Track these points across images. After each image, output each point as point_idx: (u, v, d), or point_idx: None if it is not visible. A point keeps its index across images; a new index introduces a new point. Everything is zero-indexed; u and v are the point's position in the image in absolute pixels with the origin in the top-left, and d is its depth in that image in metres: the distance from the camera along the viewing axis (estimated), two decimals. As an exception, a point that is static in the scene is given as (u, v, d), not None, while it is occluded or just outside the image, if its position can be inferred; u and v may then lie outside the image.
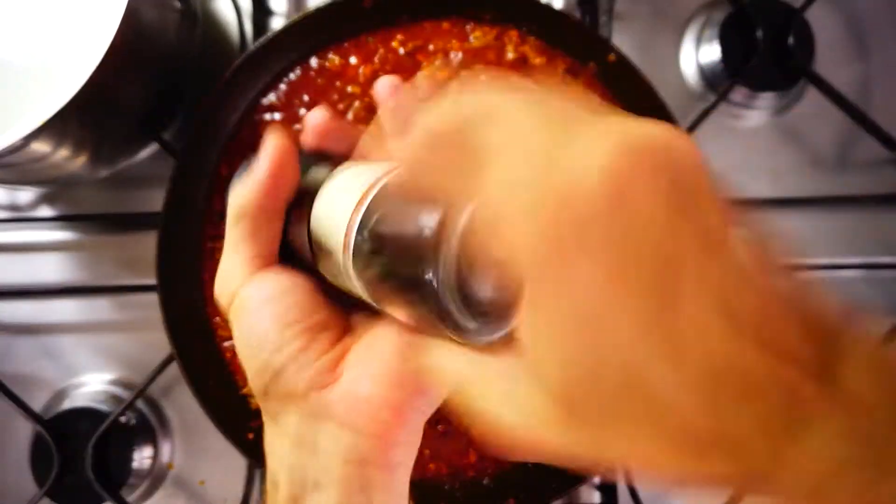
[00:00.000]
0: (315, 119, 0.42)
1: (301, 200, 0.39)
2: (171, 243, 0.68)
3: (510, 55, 0.72)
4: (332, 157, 0.42)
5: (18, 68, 0.53)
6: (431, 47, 0.72)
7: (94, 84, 0.53)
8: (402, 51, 0.72)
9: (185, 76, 0.73)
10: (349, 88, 0.71)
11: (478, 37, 0.72)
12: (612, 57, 0.70)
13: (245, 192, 0.38)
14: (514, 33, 0.72)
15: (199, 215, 0.71)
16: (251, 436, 0.68)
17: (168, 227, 0.67)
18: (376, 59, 0.72)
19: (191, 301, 0.70)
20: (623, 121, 0.25)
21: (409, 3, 0.71)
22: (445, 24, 0.72)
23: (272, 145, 0.38)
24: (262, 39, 0.68)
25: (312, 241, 0.38)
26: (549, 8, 0.70)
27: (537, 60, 0.72)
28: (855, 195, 0.80)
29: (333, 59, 0.72)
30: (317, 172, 0.40)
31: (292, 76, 0.72)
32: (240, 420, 0.69)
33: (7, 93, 0.53)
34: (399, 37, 0.72)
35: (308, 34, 0.70)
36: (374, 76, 0.71)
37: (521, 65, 0.72)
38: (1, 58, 0.54)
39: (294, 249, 0.40)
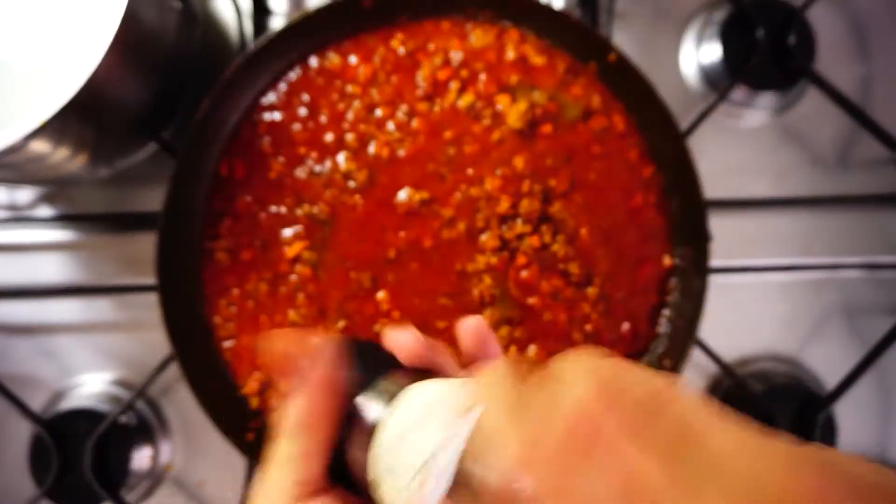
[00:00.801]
0: (404, 343, 0.39)
1: (361, 422, 0.36)
2: (170, 243, 0.68)
3: (510, 55, 0.72)
4: (401, 369, 0.38)
5: (18, 68, 0.53)
6: (432, 47, 0.72)
7: (93, 84, 0.53)
8: (402, 50, 0.72)
9: (184, 76, 0.73)
10: (349, 88, 0.71)
11: (478, 36, 0.72)
12: (612, 56, 0.70)
13: (306, 405, 0.36)
14: (514, 33, 0.72)
15: (199, 215, 0.71)
16: (251, 436, 0.68)
17: (168, 226, 0.67)
18: (376, 59, 0.72)
19: (190, 301, 0.70)
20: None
21: (408, 2, 0.71)
22: (445, 24, 0.72)
23: (317, 378, 0.37)
24: (261, 39, 0.68)
25: (371, 476, 0.35)
26: (548, 8, 0.70)
27: (537, 60, 0.72)
28: (855, 195, 0.80)
29: (333, 58, 0.72)
30: (382, 389, 0.37)
31: (292, 76, 0.72)
32: (240, 420, 0.69)
33: (7, 93, 0.53)
34: (399, 36, 0.72)
35: (308, 34, 0.70)
36: (374, 76, 0.72)
37: (521, 64, 0.72)
38: (1, 58, 0.53)
39: (344, 466, 0.37)
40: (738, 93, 0.79)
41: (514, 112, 0.70)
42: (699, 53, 0.81)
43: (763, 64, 0.77)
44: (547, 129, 0.71)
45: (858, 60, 0.83)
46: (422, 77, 0.71)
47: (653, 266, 0.72)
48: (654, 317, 0.72)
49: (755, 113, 0.82)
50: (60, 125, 0.55)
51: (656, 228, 0.72)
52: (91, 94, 0.54)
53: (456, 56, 0.72)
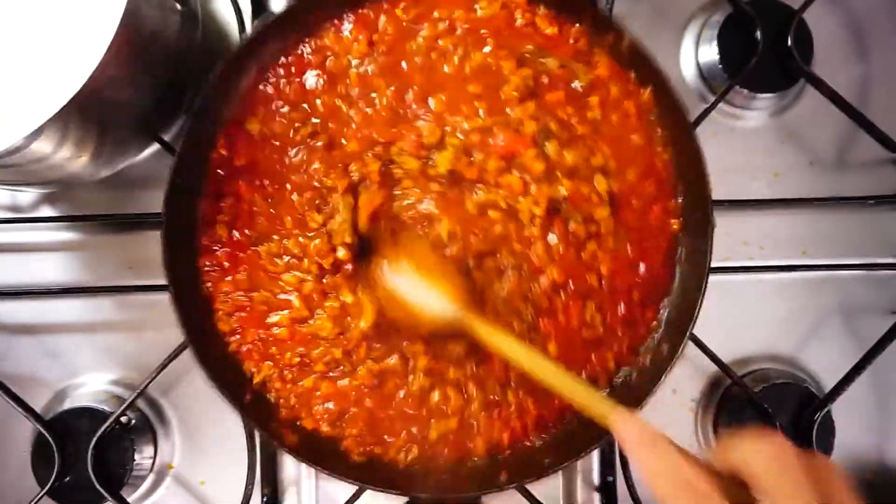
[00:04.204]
0: None
1: None
2: (174, 236, 0.66)
3: (519, 21, 0.70)
4: None
5: (18, 68, 0.53)
6: (436, 14, 0.70)
7: (94, 84, 0.53)
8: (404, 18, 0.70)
9: (185, 77, 0.73)
10: (351, 61, 0.69)
11: (483, 7, 0.70)
12: (625, 43, 0.68)
13: None
14: (522, 1, 0.70)
15: (200, 209, 0.70)
16: (248, 398, 0.69)
17: (170, 219, 0.66)
18: (379, 27, 0.70)
19: (194, 293, 0.70)
20: None
21: None
22: None
23: None
24: (254, 28, 0.67)
25: None
26: None
27: (548, 31, 0.70)
28: (853, 196, 0.80)
29: (330, 35, 0.70)
30: None
31: (291, 59, 0.70)
32: (238, 387, 0.69)
33: (7, 93, 0.53)
34: (402, 4, 0.70)
35: (300, 20, 0.69)
36: (374, 46, 0.70)
37: (531, 31, 0.70)
38: (1, 58, 0.54)
39: None
40: (737, 94, 0.79)
41: (516, 79, 0.69)
42: (698, 54, 0.82)
43: (761, 65, 0.77)
44: (558, 96, 0.70)
45: (856, 62, 0.83)
46: (421, 40, 0.69)
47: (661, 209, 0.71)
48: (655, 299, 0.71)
49: (753, 114, 0.82)
50: (61, 125, 0.56)
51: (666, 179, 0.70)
52: (91, 95, 0.54)
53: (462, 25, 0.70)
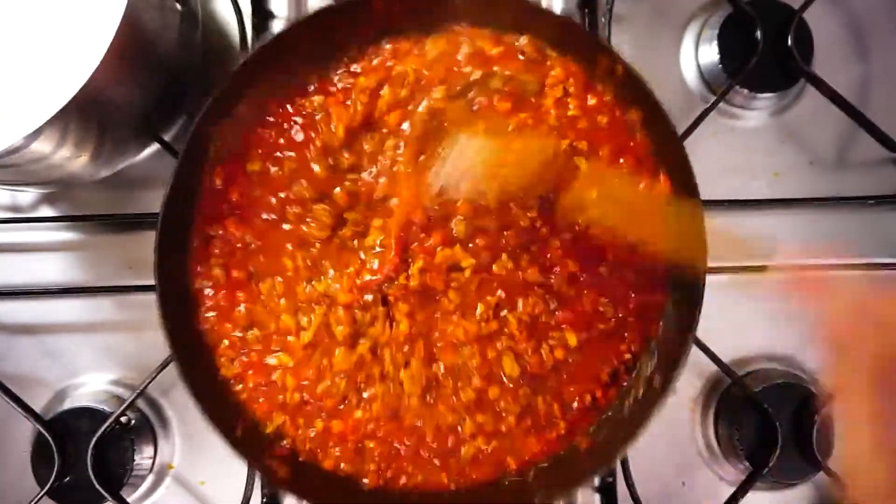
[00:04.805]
0: None
1: None
2: (169, 247, 0.66)
3: (466, 51, 0.69)
4: None
5: (18, 68, 0.54)
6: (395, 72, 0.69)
7: (93, 84, 0.53)
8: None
9: (185, 77, 0.73)
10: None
11: (430, 48, 0.69)
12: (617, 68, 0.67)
13: None
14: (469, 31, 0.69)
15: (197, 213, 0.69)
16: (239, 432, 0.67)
17: (166, 231, 0.65)
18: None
19: (186, 302, 0.69)
20: None
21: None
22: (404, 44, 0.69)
23: None
24: (253, 50, 0.67)
25: None
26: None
27: (494, 52, 0.69)
28: (853, 195, 0.80)
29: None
30: None
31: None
32: (229, 419, 0.67)
33: (7, 93, 0.53)
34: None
35: (303, 44, 0.68)
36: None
37: (477, 58, 0.69)
38: (1, 58, 0.54)
39: None
40: (737, 94, 0.79)
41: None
42: (698, 54, 0.82)
43: (761, 65, 0.77)
44: (505, 106, 0.68)
45: (857, 61, 0.83)
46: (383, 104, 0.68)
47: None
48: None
49: (754, 114, 0.82)
50: (61, 125, 0.56)
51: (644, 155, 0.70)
52: (91, 95, 0.54)
53: (411, 76, 0.68)
